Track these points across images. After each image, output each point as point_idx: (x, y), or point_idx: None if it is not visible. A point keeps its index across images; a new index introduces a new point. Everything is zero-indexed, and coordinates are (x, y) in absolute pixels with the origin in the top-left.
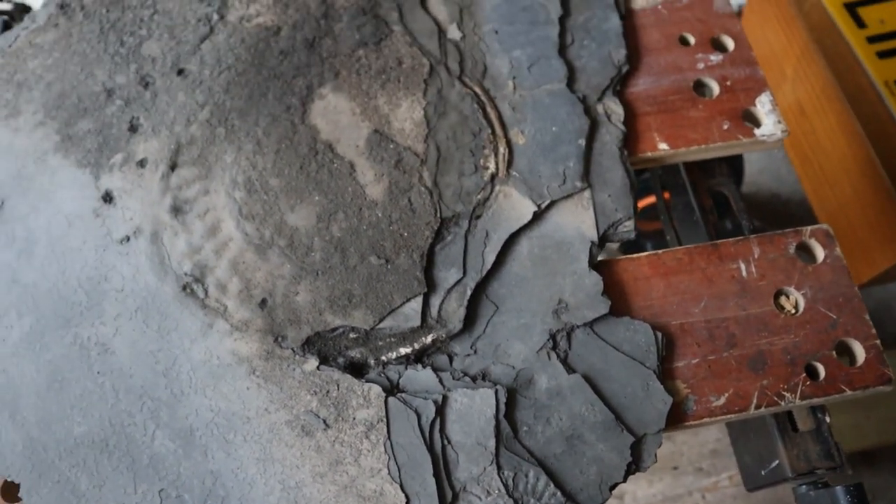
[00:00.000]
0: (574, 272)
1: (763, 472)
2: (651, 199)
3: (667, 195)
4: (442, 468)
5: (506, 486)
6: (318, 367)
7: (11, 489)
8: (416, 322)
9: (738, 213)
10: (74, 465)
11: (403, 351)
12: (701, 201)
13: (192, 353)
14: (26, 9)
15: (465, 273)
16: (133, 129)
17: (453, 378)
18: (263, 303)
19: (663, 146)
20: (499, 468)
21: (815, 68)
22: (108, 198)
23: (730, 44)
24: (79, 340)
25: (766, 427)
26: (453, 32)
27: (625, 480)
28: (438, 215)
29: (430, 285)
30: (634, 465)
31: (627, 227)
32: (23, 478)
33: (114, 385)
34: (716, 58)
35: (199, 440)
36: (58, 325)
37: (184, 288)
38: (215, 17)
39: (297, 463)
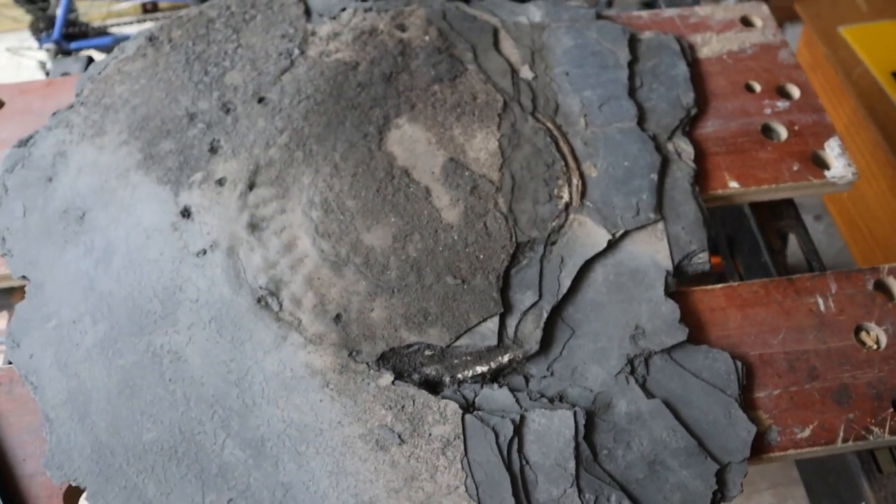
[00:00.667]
0: (650, 299)
1: None
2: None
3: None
4: (521, 488)
5: None
6: (392, 382)
7: (74, 494)
8: (493, 341)
9: (807, 254)
10: (142, 470)
11: (480, 370)
12: (769, 242)
13: (266, 364)
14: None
15: (540, 296)
16: (213, 150)
17: (530, 399)
18: (338, 318)
19: (734, 184)
20: (579, 491)
21: (864, 134)
22: (186, 213)
23: (795, 92)
24: (152, 348)
25: (847, 468)
26: (525, 73)
27: None
28: (514, 240)
29: (507, 307)
30: (720, 494)
31: (702, 259)
32: (89, 482)
33: (185, 393)
34: (782, 104)
35: (271, 451)
36: (131, 333)
37: (258, 301)
38: (296, 51)
39: (371, 478)
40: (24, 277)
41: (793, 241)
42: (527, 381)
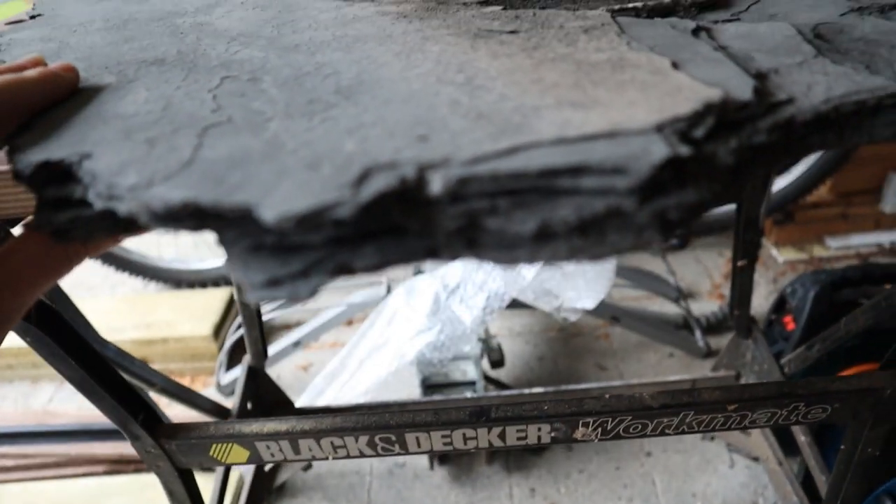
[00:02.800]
0: None
1: None
2: None
3: None
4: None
5: (868, 66)
6: (504, 9)
7: None
8: None
9: None
10: (97, 73)
11: (631, 4)
12: None
13: (321, 16)
14: None
15: None
16: None
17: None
18: None
19: None
20: (833, 61)
21: None
22: None
23: None
24: (171, 26)
25: None
26: None
27: None
28: None
29: None
30: None
31: None
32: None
33: (198, 36)
34: None
35: (305, 49)
36: (151, 19)
37: None
38: None
39: (463, 51)
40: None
41: None
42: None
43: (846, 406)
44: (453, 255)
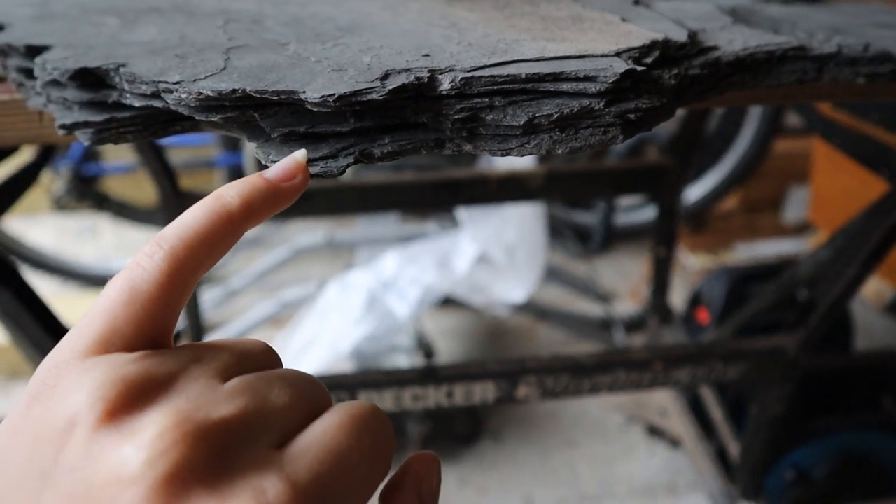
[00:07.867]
0: None
1: None
2: None
3: None
4: None
5: (775, 31)
6: None
7: None
8: None
9: None
10: (96, 18)
11: None
12: None
13: None
14: None
15: None
16: None
17: (646, 6)
18: None
19: None
20: (747, 27)
21: None
22: None
23: None
24: None
25: None
26: None
27: None
28: None
29: None
30: None
31: None
32: None
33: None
34: None
35: (296, 3)
36: None
37: None
38: None
39: (441, 7)
40: None
41: None
42: None
43: (758, 366)
44: (457, 147)
